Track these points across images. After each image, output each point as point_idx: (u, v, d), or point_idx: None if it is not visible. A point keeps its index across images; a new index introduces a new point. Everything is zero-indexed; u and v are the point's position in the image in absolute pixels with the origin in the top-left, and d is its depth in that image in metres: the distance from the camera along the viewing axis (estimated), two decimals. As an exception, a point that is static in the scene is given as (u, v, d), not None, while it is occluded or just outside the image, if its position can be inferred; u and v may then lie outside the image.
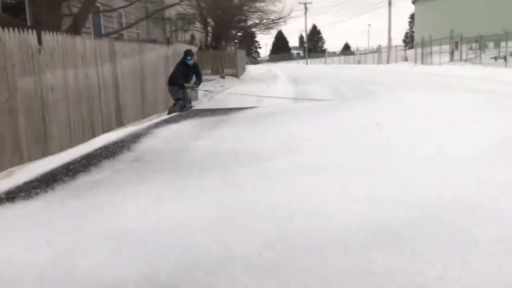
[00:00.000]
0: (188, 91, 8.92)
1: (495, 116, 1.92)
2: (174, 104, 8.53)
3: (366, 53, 51.03)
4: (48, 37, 6.21)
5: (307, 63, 61.63)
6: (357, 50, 59.77)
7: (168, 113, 6.90)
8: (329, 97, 14.33)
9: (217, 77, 20.79)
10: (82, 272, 0.88)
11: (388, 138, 1.63)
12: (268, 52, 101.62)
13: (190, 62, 8.55)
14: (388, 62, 39.37)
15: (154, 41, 16.38)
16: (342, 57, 62.59)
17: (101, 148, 1.86)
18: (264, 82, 20.50)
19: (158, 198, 1.18)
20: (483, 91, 13.85)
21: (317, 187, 1.18)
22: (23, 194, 1.33)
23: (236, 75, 23.79)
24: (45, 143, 6.14)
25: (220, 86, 18.37)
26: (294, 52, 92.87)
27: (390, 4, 38.97)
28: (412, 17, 75.50)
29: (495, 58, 26.69)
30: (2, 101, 5.17)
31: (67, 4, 9.23)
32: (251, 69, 35.81)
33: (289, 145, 1.63)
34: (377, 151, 1.48)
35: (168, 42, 16.63)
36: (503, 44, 27.38)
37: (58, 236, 1.01)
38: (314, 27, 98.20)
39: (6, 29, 5.40)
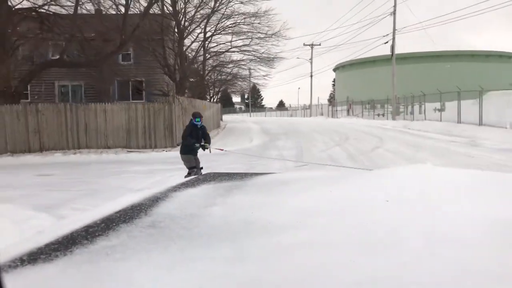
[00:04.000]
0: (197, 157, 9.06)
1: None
2: (189, 173, 8.54)
3: (296, 109, 70.12)
4: (208, 103, 24.36)
5: (250, 115, 79.18)
6: (290, 106, 78.77)
7: None
8: (276, 128, 30.81)
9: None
10: None
11: (396, 217, 1.61)
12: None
13: (199, 124, 8.80)
14: (310, 116, 57.85)
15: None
16: (278, 112, 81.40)
17: (120, 211, 1.90)
18: (240, 123, 37.18)
19: (170, 268, 1.22)
20: (348, 127, 30.75)
21: (322, 267, 1.19)
22: (44, 256, 1.38)
23: (221, 119, 41.35)
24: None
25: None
26: (237, 106, 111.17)
27: (311, 76, 57.87)
28: (334, 80, 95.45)
29: (378, 114, 45.50)
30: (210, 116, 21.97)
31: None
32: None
33: (299, 218, 1.64)
34: (384, 230, 1.47)
35: (216, 102, 33.03)
36: (385, 105, 46.42)
37: None
38: (254, 86, 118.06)
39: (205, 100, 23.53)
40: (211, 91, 38.05)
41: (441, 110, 30.19)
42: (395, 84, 33.86)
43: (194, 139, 8.77)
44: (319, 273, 1.17)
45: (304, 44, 53.62)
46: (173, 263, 1.28)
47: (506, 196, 1.96)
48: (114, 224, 1.72)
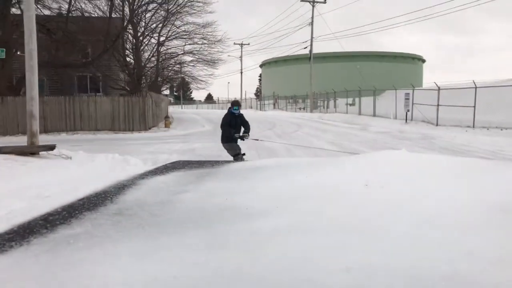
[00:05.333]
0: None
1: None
2: (235, 160, 8.24)
3: (227, 103, 76.78)
4: (164, 96, 30.04)
5: (182, 108, 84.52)
6: (218, 100, 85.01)
7: None
8: (217, 118, 36.91)
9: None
10: None
11: (375, 199, 1.60)
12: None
13: (237, 112, 8.86)
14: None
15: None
16: (210, 105, 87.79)
17: (83, 198, 1.82)
18: (181, 114, 42.94)
19: (140, 257, 1.16)
20: (275, 118, 37.93)
21: (309, 253, 1.15)
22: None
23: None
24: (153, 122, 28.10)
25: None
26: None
27: (241, 73, 64.87)
28: (261, 76, 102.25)
29: (300, 108, 53.10)
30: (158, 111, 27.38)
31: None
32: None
33: (277, 204, 1.60)
34: (367, 214, 1.46)
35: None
36: (306, 100, 54.10)
37: None
38: (183, 78, 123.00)
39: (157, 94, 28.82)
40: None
41: (352, 104, 37.99)
42: (313, 83, 41.21)
43: (233, 128, 8.81)
44: (306, 260, 1.12)
45: (234, 43, 59.87)
46: (143, 251, 1.20)
47: (478, 179, 1.91)
48: (77, 212, 1.62)
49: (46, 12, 22.13)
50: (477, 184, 1.94)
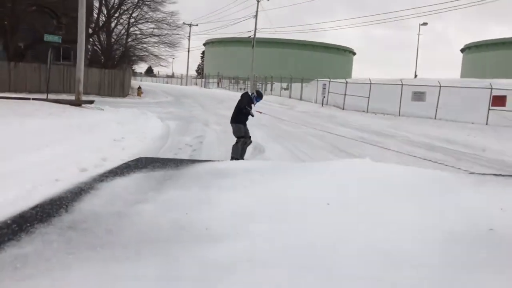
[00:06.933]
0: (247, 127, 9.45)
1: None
2: (237, 142, 9.16)
3: (172, 77, 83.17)
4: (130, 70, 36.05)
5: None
6: (158, 73, 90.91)
7: (232, 153, 9.15)
8: (171, 91, 43.91)
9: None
10: None
11: (337, 227, 1.59)
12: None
13: (257, 103, 9.59)
14: (186, 85, 71.62)
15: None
16: (154, 78, 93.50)
17: (37, 206, 1.78)
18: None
19: None
20: (221, 95, 45.52)
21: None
22: None
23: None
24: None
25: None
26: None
27: (188, 51, 71.54)
28: (203, 53, 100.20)
29: (241, 89, 60.96)
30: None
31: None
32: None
33: (237, 223, 1.60)
34: (325, 244, 1.44)
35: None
36: (247, 82, 62.00)
37: None
38: (124, 52, 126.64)
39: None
40: None
41: (286, 89, 46.35)
42: (254, 67, 49.16)
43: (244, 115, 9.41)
44: None
45: (183, 23, 66.35)
46: (93, 283, 1.17)
47: (446, 201, 1.94)
48: (28, 224, 1.57)
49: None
50: (439, 207, 1.90)
